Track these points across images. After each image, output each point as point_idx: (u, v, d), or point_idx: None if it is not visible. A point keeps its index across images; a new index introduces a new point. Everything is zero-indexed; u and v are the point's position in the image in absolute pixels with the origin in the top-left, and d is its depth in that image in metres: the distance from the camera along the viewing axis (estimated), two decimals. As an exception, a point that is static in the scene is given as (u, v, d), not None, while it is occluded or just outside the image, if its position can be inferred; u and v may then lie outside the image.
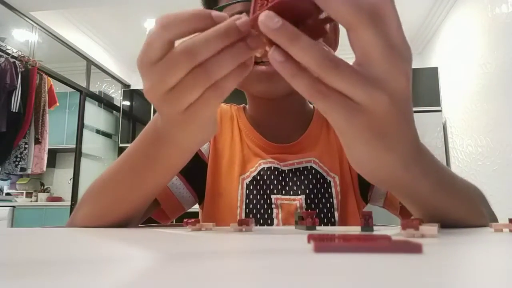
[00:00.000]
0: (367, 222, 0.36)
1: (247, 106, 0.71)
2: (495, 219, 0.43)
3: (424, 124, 3.59)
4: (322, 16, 0.27)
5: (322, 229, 0.40)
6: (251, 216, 0.60)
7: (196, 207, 0.69)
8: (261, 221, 0.60)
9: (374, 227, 0.36)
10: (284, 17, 0.25)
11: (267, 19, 0.25)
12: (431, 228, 0.29)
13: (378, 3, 0.25)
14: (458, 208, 0.36)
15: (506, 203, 2.57)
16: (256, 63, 0.53)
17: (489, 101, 2.76)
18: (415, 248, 0.19)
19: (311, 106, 0.71)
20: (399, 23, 0.26)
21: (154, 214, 0.62)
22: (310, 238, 0.22)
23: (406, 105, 0.28)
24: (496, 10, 2.63)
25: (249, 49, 0.28)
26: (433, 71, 3.75)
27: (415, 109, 3.71)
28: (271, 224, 0.60)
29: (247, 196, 0.61)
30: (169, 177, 0.44)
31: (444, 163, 3.53)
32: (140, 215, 0.50)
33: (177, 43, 0.29)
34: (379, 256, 0.18)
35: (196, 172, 0.62)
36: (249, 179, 0.62)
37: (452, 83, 3.43)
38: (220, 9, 0.53)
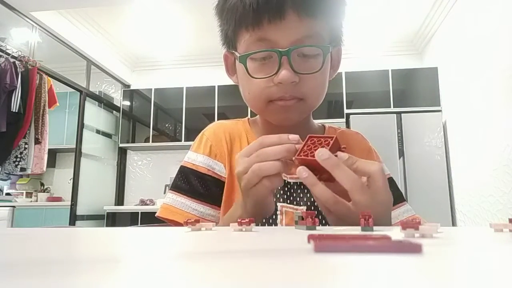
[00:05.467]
0: (367, 222, 0.36)
1: (252, 118, 0.77)
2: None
3: (424, 124, 3.59)
4: None
5: (322, 229, 0.40)
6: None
7: None
8: (266, 225, 0.65)
9: (374, 227, 0.36)
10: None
11: (319, 153, 0.46)
12: (431, 228, 0.29)
13: (373, 172, 0.48)
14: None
15: (506, 203, 2.57)
16: (275, 100, 0.62)
17: (489, 101, 2.76)
18: (415, 248, 0.19)
19: (317, 125, 0.77)
20: (385, 180, 0.48)
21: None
22: (310, 238, 0.22)
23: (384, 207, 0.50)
24: (495, 10, 2.63)
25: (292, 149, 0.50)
26: (433, 71, 3.75)
27: (415, 109, 3.70)
28: None
29: None
30: None
31: (444, 163, 3.52)
32: None
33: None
34: (379, 256, 0.18)
35: (219, 194, 0.70)
36: None
37: (452, 83, 3.43)
38: (245, 57, 0.60)
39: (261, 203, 0.52)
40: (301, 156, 0.48)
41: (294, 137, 0.50)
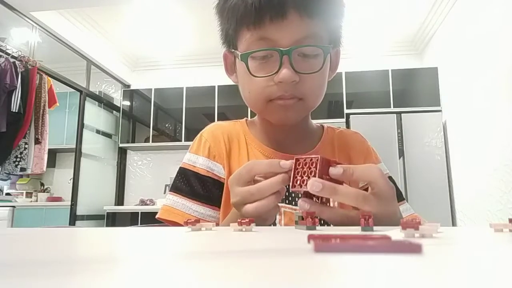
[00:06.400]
0: (367, 222, 0.36)
1: (250, 119, 0.77)
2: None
3: (424, 124, 3.59)
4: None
5: (322, 229, 0.40)
6: None
7: None
8: None
9: (374, 227, 0.36)
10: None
11: (313, 186, 0.43)
12: (431, 228, 0.29)
13: (372, 177, 0.47)
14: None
15: (506, 202, 2.57)
16: (275, 99, 0.62)
17: (489, 101, 2.76)
18: (415, 248, 0.19)
19: (316, 126, 0.77)
20: (385, 180, 0.47)
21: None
22: (310, 238, 0.22)
23: (388, 212, 0.48)
24: (495, 10, 2.64)
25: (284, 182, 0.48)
26: (433, 71, 3.75)
27: (415, 109, 3.70)
28: None
29: None
30: None
31: (444, 163, 3.51)
32: None
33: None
34: (379, 256, 0.18)
35: (219, 195, 0.70)
36: None
37: (452, 83, 3.44)
38: (246, 55, 0.60)
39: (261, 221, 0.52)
40: (295, 187, 0.47)
41: (285, 163, 0.48)
